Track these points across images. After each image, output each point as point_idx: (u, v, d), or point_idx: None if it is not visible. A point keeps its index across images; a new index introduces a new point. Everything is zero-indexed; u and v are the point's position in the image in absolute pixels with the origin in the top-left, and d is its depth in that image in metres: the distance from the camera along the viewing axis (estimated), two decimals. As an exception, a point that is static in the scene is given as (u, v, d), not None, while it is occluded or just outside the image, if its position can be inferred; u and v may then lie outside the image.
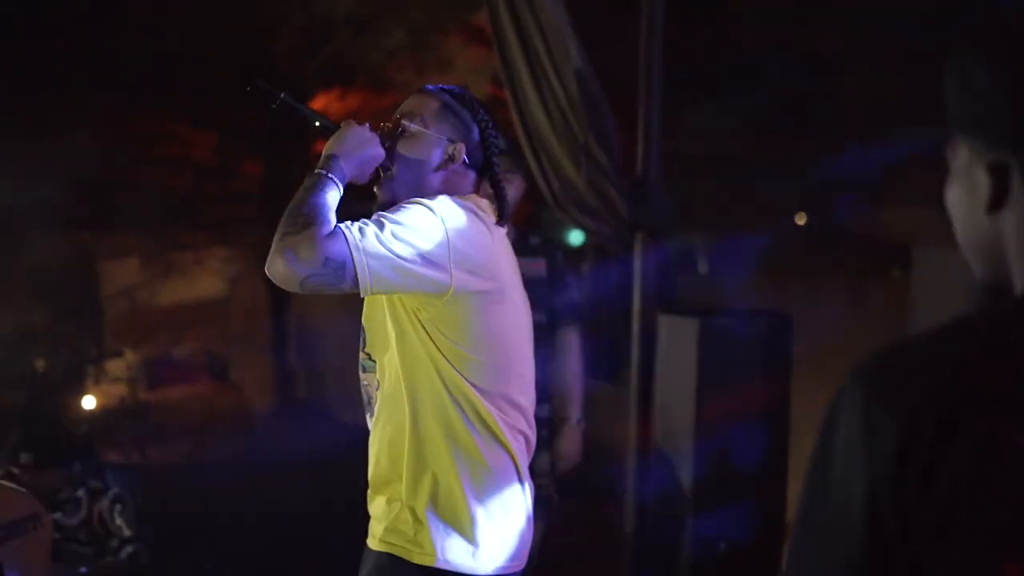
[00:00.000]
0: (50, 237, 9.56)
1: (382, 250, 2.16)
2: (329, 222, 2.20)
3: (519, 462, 2.42)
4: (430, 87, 2.51)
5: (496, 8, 4.19)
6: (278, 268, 2.17)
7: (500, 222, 2.42)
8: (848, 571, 1.00)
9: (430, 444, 2.35)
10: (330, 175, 2.29)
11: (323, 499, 5.43)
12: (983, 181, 1.08)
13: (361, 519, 2.51)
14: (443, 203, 2.27)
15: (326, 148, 2.37)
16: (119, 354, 8.37)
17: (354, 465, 2.61)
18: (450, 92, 2.49)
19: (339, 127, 2.40)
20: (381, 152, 2.39)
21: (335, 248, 2.14)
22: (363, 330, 2.49)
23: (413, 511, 2.37)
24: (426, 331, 2.30)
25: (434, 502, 2.36)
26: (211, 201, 9.80)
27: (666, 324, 4.36)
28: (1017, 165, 1.05)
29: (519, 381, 2.43)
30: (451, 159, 2.40)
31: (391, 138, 2.42)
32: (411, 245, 2.18)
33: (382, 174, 2.43)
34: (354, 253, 2.15)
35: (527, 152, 4.25)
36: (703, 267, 9.35)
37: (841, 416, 1.02)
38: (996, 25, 1.07)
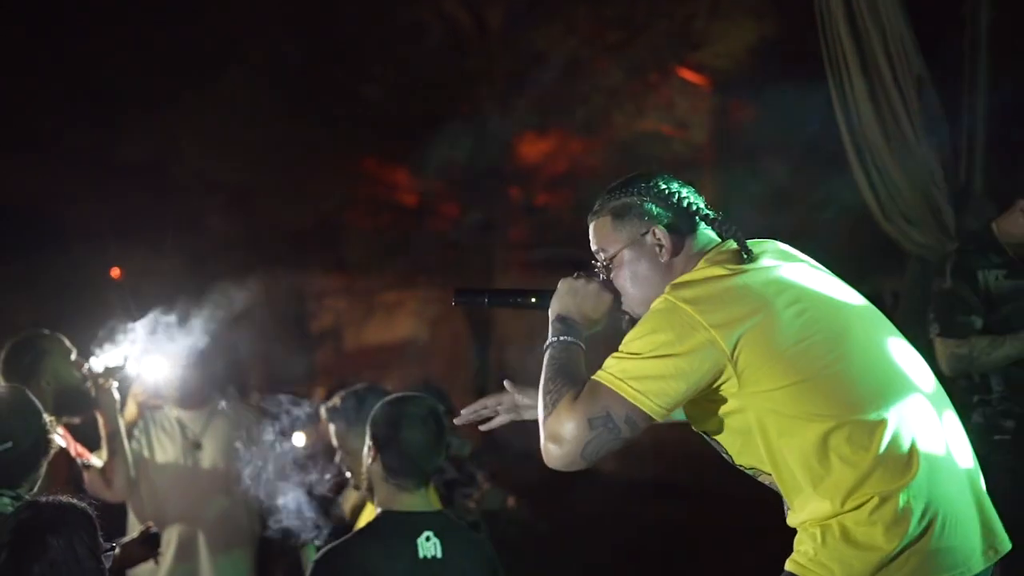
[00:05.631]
0: (262, 277, 9.81)
1: (638, 365, 2.01)
2: (578, 383, 2.06)
3: None
4: (594, 208, 2.30)
5: (831, 10, 4.11)
6: (553, 457, 2.05)
7: (748, 256, 2.13)
8: None
9: None
10: (563, 338, 2.17)
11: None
12: None
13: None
14: (666, 290, 2.09)
15: (552, 312, 2.24)
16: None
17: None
18: (609, 194, 2.28)
19: (553, 291, 2.28)
20: (609, 296, 2.26)
21: (591, 403, 2.01)
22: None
23: None
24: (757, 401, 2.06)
25: None
26: (413, 242, 9.92)
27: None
28: None
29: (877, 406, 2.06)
30: (661, 246, 2.21)
31: (609, 280, 2.27)
32: (658, 341, 2.01)
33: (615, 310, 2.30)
34: (617, 390, 2.01)
35: (853, 161, 4.19)
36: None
37: None
38: None
